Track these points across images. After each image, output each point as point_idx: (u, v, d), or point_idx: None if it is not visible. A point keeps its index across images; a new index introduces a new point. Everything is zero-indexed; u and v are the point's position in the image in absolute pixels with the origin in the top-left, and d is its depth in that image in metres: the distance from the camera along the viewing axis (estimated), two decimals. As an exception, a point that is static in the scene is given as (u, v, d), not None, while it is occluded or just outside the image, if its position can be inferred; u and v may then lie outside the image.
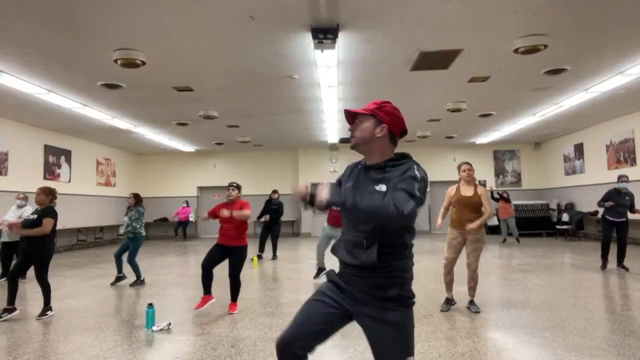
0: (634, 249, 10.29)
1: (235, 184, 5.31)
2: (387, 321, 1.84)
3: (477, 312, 4.80)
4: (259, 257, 9.66)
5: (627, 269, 7.33)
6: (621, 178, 7.48)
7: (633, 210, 7.39)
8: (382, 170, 1.92)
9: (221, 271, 5.26)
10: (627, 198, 7.38)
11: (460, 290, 5.27)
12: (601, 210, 7.69)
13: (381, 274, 1.86)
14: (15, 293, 5.02)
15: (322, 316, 1.93)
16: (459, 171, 5.04)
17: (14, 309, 4.98)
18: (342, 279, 1.98)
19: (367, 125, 1.95)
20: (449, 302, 5.01)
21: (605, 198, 7.41)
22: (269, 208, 10.25)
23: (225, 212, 5.06)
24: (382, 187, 1.85)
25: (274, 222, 10.19)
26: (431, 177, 17.89)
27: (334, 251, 2.06)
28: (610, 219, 7.38)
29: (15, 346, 4.05)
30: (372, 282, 1.88)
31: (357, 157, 2.05)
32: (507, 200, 12.89)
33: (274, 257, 10.04)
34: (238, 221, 5.05)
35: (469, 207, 4.89)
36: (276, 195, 10.48)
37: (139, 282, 6.98)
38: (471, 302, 4.95)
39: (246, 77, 7.68)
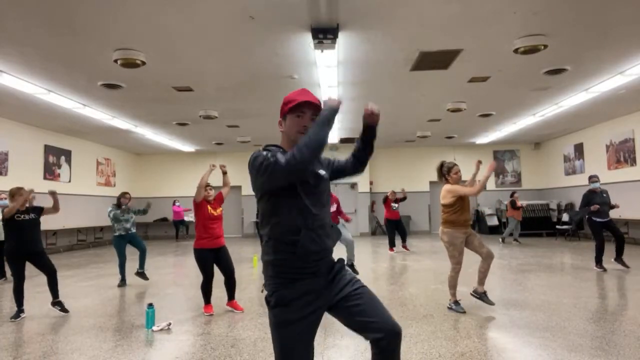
0: (635, 249, 10.29)
1: (210, 185, 5.24)
2: (356, 280, 1.98)
3: (493, 304, 4.82)
4: None
5: (627, 267, 7.32)
6: (592, 178, 7.53)
7: (612, 207, 7.42)
8: None
9: (216, 271, 5.25)
10: (604, 196, 7.42)
11: (459, 290, 5.26)
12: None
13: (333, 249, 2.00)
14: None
15: (311, 345, 1.92)
16: (449, 172, 4.91)
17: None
18: (309, 279, 1.88)
19: None
20: (458, 302, 4.97)
21: (587, 202, 7.39)
22: None
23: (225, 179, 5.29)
24: (322, 171, 2.00)
25: None
26: (432, 177, 17.96)
27: (298, 255, 1.85)
28: (598, 220, 7.36)
29: (15, 346, 4.05)
30: (330, 259, 1.97)
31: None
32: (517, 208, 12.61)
33: None
34: (222, 216, 5.15)
35: (469, 207, 4.91)
36: None
37: (141, 273, 7.04)
38: (485, 293, 4.90)
39: (246, 77, 7.69)
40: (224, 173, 5.28)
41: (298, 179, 1.82)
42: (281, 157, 1.76)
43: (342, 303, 1.91)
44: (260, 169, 1.79)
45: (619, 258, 7.40)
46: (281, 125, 1.97)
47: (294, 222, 1.84)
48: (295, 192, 1.85)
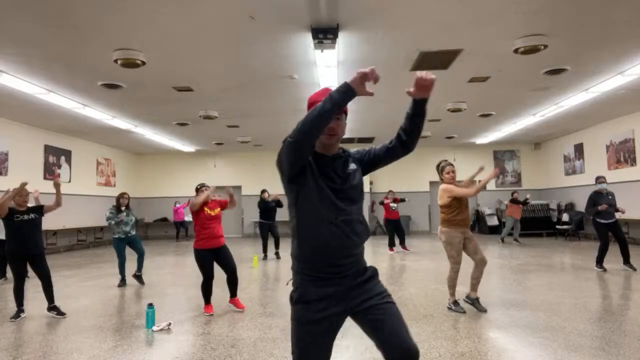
0: (635, 249, 10.29)
1: (206, 184, 5.27)
2: (386, 294, 1.93)
3: (486, 311, 4.79)
4: (265, 257, 9.80)
5: (634, 269, 7.25)
6: (599, 179, 7.49)
7: (617, 210, 7.40)
8: (343, 156, 1.98)
9: (217, 270, 5.25)
10: (610, 197, 7.40)
11: (459, 290, 5.26)
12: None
13: (362, 251, 1.95)
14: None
15: (328, 347, 1.92)
16: (442, 172, 4.88)
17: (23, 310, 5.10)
18: (334, 279, 1.85)
19: (344, 124, 1.95)
20: (457, 302, 4.96)
21: (594, 203, 7.36)
22: (269, 206, 10.21)
23: (229, 193, 5.29)
24: (353, 166, 1.96)
25: (274, 221, 10.21)
26: (432, 177, 17.99)
27: (320, 249, 1.83)
28: (603, 221, 7.34)
29: (15, 346, 4.05)
30: (359, 262, 1.93)
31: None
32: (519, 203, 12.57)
33: (278, 256, 10.06)
34: (220, 216, 5.15)
35: (467, 206, 4.90)
36: (266, 194, 10.45)
37: (138, 276, 7.04)
38: (478, 299, 4.90)
39: (246, 77, 7.68)
40: (231, 196, 5.33)
41: (300, 154, 1.77)
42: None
43: (364, 313, 1.87)
44: (281, 152, 1.81)
45: (627, 262, 7.35)
46: None
47: (316, 215, 1.81)
48: (319, 184, 1.82)
